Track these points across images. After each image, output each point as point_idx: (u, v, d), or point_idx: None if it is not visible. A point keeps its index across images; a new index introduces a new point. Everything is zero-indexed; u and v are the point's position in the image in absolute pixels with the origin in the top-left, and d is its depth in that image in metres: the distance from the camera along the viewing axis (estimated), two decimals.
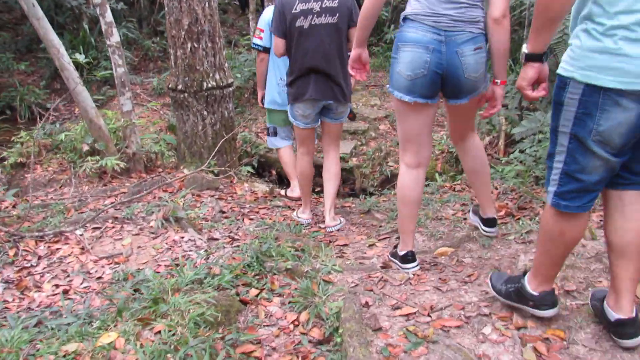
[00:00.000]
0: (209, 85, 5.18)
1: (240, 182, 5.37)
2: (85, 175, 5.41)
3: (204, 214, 4.51)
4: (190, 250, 3.53)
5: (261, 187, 5.34)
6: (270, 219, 4.43)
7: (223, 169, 5.25)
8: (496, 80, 2.69)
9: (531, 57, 1.98)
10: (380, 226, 4.02)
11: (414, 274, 2.94)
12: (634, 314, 2.10)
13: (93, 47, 9.49)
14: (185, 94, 5.19)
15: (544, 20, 1.86)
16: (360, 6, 2.80)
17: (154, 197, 4.91)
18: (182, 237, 3.70)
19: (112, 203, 4.40)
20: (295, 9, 3.68)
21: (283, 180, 6.76)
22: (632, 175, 2.03)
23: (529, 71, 1.99)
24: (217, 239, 3.78)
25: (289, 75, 3.89)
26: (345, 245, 3.72)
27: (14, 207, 4.48)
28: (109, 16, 5.60)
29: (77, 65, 5.68)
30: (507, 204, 3.94)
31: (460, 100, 2.75)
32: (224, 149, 5.37)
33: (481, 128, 6.60)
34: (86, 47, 9.33)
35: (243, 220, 4.43)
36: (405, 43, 2.61)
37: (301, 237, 3.75)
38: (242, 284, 2.90)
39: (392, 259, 3.15)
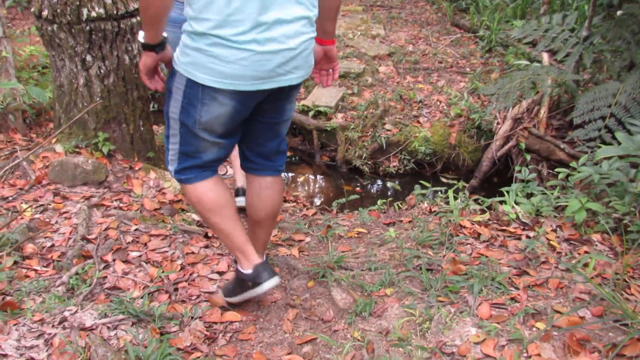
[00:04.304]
0: (93, 13, 3.02)
1: (146, 169, 3.34)
2: None
3: (52, 245, 2.58)
4: None
5: (174, 180, 3.31)
6: (162, 264, 2.48)
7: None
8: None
9: (146, 47, 1.86)
10: (335, 330, 2.06)
11: None
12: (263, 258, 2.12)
13: None
14: (55, 26, 3.06)
15: (145, 18, 1.78)
16: None
17: None
18: None
19: None
20: None
21: None
22: (262, 160, 2.12)
23: (146, 59, 1.89)
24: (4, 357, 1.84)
25: None
26: None
27: None
28: None
29: None
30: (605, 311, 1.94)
31: None
32: (123, 116, 3.31)
33: (522, 85, 4.44)
34: None
35: (113, 266, 2.49)
36: None
37: None
38: None
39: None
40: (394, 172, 4.81)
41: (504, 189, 3.03)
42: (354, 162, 4.81)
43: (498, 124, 4.88)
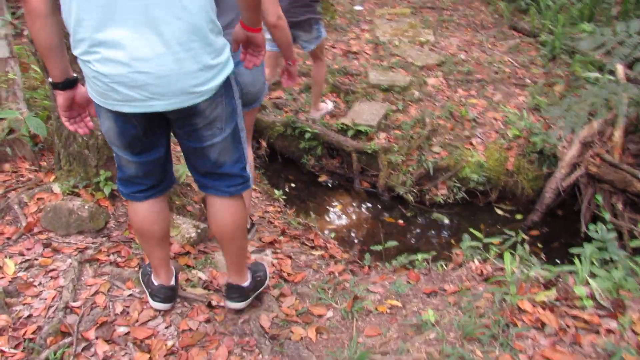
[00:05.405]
0: None
1: None
2: None
3: (29, 315, 2.18)
4: None
5: (184, 228, 2.86)
6: (151, 345, 2.04)
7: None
8: (288, 62, 2.58)
9: (53, 86, 1.79)
10: None
11: None
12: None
13: None
14: None
15: (40, 52, 1.71)
16: None
17: None
18: None
19: None
20: None
21: (286, 162, 4.28)
22: (201, 178, 2.03)
23: (58, 98, 1.82)
24: None
25: None
26: None
27: None
28: None
29: None
30: None
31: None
32: None
33: (594, 106, 3.77)
34: None
35: (94, 347, 2.06)
36: None
37: None
38: None
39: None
40: (442, 201, 4.24)
41: (574, 252, 2.44)
42: (397, 190, 4.27)
43: (564, 148, 4.23)
